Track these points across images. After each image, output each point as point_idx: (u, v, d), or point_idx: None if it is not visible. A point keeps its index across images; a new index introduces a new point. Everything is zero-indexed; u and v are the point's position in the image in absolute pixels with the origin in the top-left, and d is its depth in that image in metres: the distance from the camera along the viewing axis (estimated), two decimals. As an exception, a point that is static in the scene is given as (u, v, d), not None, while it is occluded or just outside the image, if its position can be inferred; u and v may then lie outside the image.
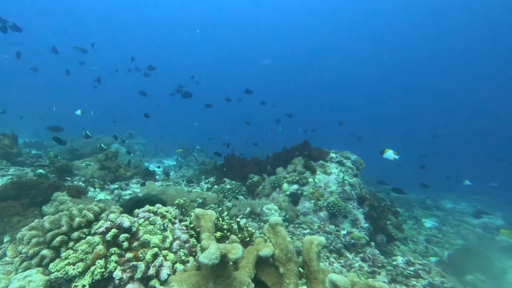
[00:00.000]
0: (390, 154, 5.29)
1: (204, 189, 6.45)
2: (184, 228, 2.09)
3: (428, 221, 9.12)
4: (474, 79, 39.51)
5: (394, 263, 4.00)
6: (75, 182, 5.78)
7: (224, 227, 2.26)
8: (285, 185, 5.87)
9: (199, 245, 1.87)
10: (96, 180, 6.07)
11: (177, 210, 3.04)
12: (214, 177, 7.07)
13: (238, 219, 2.40)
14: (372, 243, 4.62)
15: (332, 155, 6.74)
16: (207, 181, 7.03)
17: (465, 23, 32.63)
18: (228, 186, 6.10)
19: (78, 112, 7.36)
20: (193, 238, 2.07)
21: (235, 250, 1.56)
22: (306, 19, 43.98)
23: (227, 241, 2.09)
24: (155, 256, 1.67)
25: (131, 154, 9.84)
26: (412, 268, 3.76)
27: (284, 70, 51.14)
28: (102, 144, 7.20)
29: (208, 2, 44.95)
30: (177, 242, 1.88)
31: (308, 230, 4.82)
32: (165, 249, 1.78)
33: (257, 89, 11.05)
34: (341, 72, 49.41)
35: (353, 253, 4.26)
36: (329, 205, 5.33)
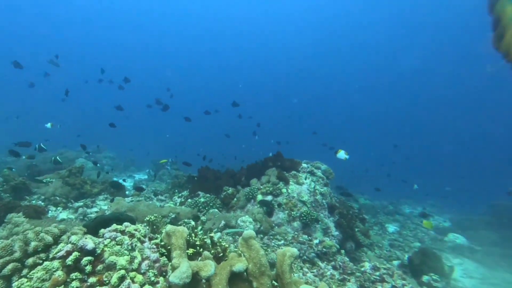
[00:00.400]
0: (342, 154, 5.74)
1: (177, 203, 6.20)
2: (155, 246, 1.98)
3: (391, 226, 9.65)
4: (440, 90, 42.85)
5: (362, 269, 4.13)
6: (34, 202, 5.23)
7: (197, 243, 2.18)
8: (259, 197, 5.86)
9: (170, 264, 1.79)
10: (58, 198, 5.56)
11: (147, 227, 2.89)
12: (187, 190, 6.86)
13: (212, 234, 2.34)
14: (342, 251, 4.74)
15: (304, 165, 6.89)
16: (180, 194, 6.78)
17: (442, 35, 35.37)
18: (202, 200, 5.93)
19: (48, 125, 6.86)
20: (164, 256, 1.97)
21: (207, 267, 1.51)
22: (282, 31, 45.24)
23: (199, 258, 2.02)
24: (122, 279, 1.56)
25: (98, 165, 9.21)
26: (377, 273, 3.92)
27: (260, 81, 51.90)
28: (57, 157, 6.66)
29: (184, 10, 44.27)
30: (146, 262, 1.77)
31: (282, 241, 4.82)
32: (132, 270, 1.66)
33: (233, 100, 11.01)
34: (314, 84, 51.13)
35: (325, 262, 4.33)
36: (302, 215, 5.40)
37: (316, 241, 4.69)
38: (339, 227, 5.68)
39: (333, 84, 50.45)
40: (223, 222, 5.18)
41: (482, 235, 8.65)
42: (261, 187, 6.06)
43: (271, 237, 5.01)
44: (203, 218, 5.19)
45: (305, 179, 6.28)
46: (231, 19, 45.21)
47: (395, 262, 5.87)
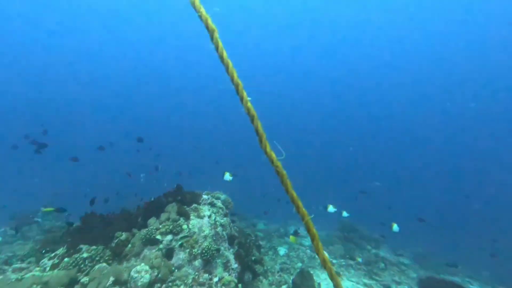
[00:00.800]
0: (227, 176, 6.28)
1: (48, 268, 4.68)
2: None
3: (282, 248, 10.32)
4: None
5: (256, 300, 4.29)
6: None
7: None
8: (158, 237, 5.27)
9: None
10: None
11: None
12: (65, 246, 5.32)
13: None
14: (240, 285, 4.80)
15: (204, 196, 6.78)
16: (53, 254, 5.14)
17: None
18: (85, 255, 4.75)
19: None
20: None
21: None
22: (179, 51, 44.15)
23: None
24: None
25: None
26: (267, 302, 4.17)
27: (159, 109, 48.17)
28: None
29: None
30: None
31: (182, 287, 4.43)
32: None
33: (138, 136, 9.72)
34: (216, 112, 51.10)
35: (224, 300, 4.24)
36: (203, 251, 5.19)
37: (215, 280, 4.58)
38: (238, 258, 5.76)
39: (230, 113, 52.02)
40: (111, 278, 4.29)
41: (336, 248, 10.49)
42: (160, 226, 5.50)
43: (170, 283, 4.52)
44: (84, 279, 4.12)
45: (208, 215, 6.17)
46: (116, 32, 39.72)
47: (284, 287, 6.33)
